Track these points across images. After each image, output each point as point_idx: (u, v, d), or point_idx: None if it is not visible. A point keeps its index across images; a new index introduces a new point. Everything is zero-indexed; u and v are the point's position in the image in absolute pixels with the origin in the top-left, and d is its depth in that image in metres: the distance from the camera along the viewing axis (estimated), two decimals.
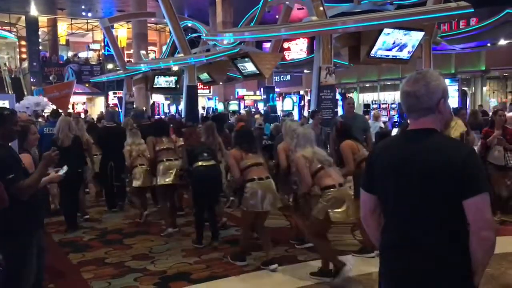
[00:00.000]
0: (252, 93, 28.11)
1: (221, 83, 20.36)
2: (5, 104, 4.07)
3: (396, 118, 19.12)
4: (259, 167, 5.05)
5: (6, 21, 33.76)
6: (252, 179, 4.93)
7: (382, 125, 12.11)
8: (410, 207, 1.93)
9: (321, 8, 9.61)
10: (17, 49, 35.33)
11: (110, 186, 7.80)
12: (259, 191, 4.89)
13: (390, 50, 10.09)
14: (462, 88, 18.36)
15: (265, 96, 18.14)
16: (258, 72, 13.97)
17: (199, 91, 19.33)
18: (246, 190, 4.93)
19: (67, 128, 6.56)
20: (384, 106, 21.40)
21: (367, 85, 25.21)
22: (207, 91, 29.45)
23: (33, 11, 31.68)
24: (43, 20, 34.24)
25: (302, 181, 4.66)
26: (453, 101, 12.72)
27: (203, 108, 25.40)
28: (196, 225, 5.93)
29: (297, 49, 28.04)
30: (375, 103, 22.70)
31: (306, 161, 4.58)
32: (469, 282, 1.88)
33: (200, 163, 5.80)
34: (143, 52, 21.75)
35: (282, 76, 27.37)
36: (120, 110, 20.50)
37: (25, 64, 32.62)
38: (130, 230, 6.67)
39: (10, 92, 24.01)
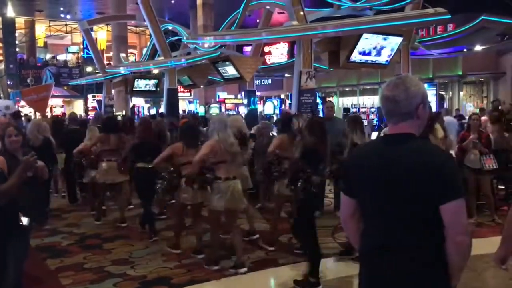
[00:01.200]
0: (233, 96, 28.12)
1: (202, 86, 20.31)
2: None
3: (375, 122, 19.36)
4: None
5: None
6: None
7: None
8: (388, 211, 1.95)
9: (302, 13, 9.69)
10: None
11: (72, 182, 8.45)
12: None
13: (369, 55, 10.22)
14: (440, 92, 18.71)
15: (246, 100, 18.18)
16: (239, 75, 13.99)
17: (179, 94, 19.25)
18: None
19: (36, 130, 7.17)
20: (363, 110, 21.64)
21: (347, 89, 25.47)
22: (188, 94, 29.35)
23: (10, 12, 31.08)
24: (20, 21, 33.68)
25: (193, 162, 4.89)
26: (430, 107, 12.91)
27: (184, 111, 25.29)
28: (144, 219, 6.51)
29: (277, 53, 28.18)
30: (355, 107, 22.95)
31: (213, 149, 4.83)
32: (447, 284, 1.92)
33: (140, 165, 6.16)
34: (123, 55, 21.57)
35: (263, 80, 27.46)
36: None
37: (1, 66, 32.03)
38: (110, 234, 6.59)
39: None
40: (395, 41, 10.36)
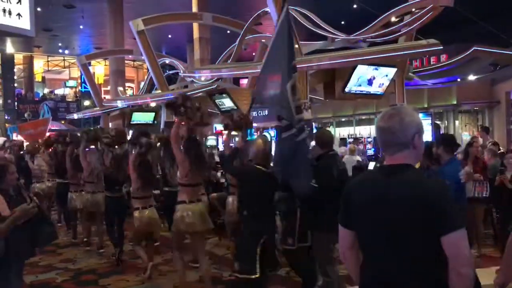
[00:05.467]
0: None
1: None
2: None
3: (371, 152, 19.37)
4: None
5: None
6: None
7: (359, 158, 12.23)
8: (386, 243, 1.93)
9: (296, 46, 9.81)
10: None
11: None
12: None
13: (364, 85, 10.34)
14: (435, 122, 18.83)
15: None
16: (236, 107, 14.08)
17: None
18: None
19: None
20: (360, 140, 21.69)
21: (343, 119, 25.61)
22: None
23: (9, 48, 31.55)
24: (19, 57, 34.11)
25: None
26: (426, 135, 12.98)
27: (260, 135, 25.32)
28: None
29: None
30: (351, 137, 23.03)
31: None
32: None
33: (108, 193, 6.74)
34: (120, 88, 21.73)
35: (259, 111, 27.61)
36: None
37: (0, 101, 32.22)
38: (105, 270, 6.49)
39: None
40: (389, 72, 10.49)
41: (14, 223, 3.18)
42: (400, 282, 1.89)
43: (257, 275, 3.86)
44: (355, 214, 2.06)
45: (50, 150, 9.45)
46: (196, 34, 20.82)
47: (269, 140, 4.76)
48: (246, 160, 5.08)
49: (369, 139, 21.22)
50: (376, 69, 10.17)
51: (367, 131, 23.73)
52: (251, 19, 14.52)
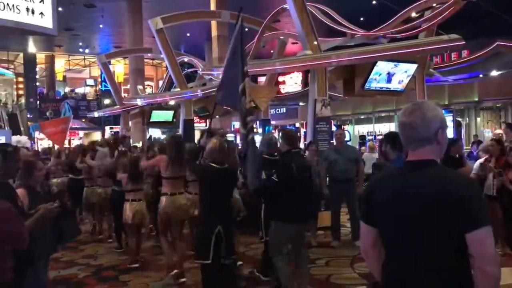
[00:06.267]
0: None
1: (217, 116, 20.46)
2: (2, 139, 4.07)
3: None
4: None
5: (4, 58, 34.17)
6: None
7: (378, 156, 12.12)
8: (409, 240, 1.89)
9: (315, 43, 9.77)
10: (15, 86, 35.61)
11: None
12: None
13: (384, 82, 10.23)
14: (456, 119, 18.54)
15: (260, 129, 18.23)
16: (254, 105, 14.08)
17: (195, 124, 19.42)
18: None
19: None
20: (379, 137, 21.50)
21: (362, 117, 25.41)
22: (204, 124, 29.58)
23: (31, 48, 32.11)
24: (40, 56, 34.69)
25: None
26: (448, 132, 12.80)
27: (199, 141, 25.43)
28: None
29: (291, 83, 28.35)
30: (371, 135, 22.84)
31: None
32: None
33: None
34: (140, 87, 21.94)
35: (277, 109, 27.58)
36: None
37: (22, 100, 32.82)
38: (126, 266, 6.55)
39: (6, 128, 24.04)
40: (409, 68, 10.36)
41: (38, 222, 3.20)
42: (417, 280, 1.86)
43: (209, 261, 4.34)
44: (377, 211, 2.03)
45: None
46: (214, 32, 20.89)
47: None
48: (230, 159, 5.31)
49: None
50: (396, 65, 10.05)
51: (387, 128, 23.52)
52: (269, 16, 14.50)
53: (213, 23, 20.42)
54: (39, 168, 3.76)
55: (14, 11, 3.93)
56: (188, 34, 27.22)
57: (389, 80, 10.26)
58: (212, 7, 19.94)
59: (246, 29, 18.84)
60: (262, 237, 5.43)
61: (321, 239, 7.60)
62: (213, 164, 4.54)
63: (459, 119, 19.86)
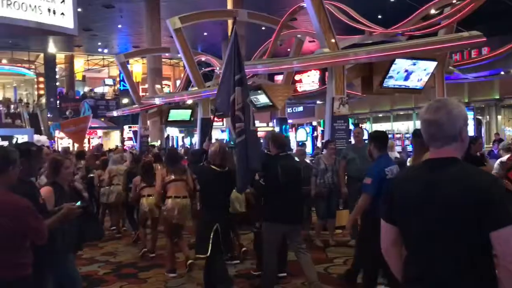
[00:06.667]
0: (264, 124, 28.22)
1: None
2: (24, 138, 4.15)
3: (410, 148, 18.98)
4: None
5: (25, 58, 34.78)
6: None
7: (397, 155, 12.00)
8: (433, 239, 1.87)
9: (333, 40, 9.72)
10: (35, 86, 36.23)
11: None
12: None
13: (402, 80, 10.11)
14: (477, 117, 18.26)
15: (277, 128, 18.22)
16: (271, 103, 14.07)
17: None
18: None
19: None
20: (398, 136, 21.28)
21: (380, 115, 25.21)
22: (221, 123, 29.69)
23: (51, 48, 32.61)
24: (60, 57, 35.21)
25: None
26: (468, 130, 12.61)
27: (216, 140, 25.54)
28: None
29: (308, 81, 28.26)
30: (389, 133, 22.62)
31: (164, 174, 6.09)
32: None
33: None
34: (157, 86, 22.11)
35: (294, 108, 27.53)
36: (135, 143, 20.68)
37: (43, 100, 33.35)
38: (145, 263, 6.62)
39: (27, 127, 24.48)
40: (428, 66, 10.23)
41: (59, 221, 3.25)
42: (440, 279, 1.84)
43: (207, 255, 4.74)
44: (399, 209, 2.01)
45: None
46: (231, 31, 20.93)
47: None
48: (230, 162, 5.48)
49: (407, 135, 20.79)
50: (415, 63, 9.93)
51: (405, 126, 23.26)
52: (286, 14, 14.47)
53: (230, 22, 20.45)
54: (66, 166, 3.81)
55: (36, 12, 4.00)
56: (205, 34, 27.34)
57: (407, 78, 10.13)
58: (229, 6, 20.00)
59: (263, 28, 18.87)
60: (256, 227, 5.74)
61: (339, 238, 7.58)
62: (213, 166, 4.88)
63: (479, 117, 19.56)
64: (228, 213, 5.14)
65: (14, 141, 3.71)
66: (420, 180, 1.94)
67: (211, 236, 4.68)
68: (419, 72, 10.20)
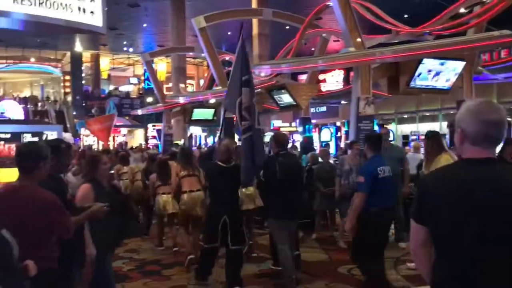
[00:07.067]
0: (287, 124, 28.15)
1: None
2: (54, 135, 4.22)
3: None
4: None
5: (52, 57, 35.47)
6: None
7: (422, 156, 11.81)
8: (471, 239, 1.81)
9: (359, 39, 9.62)
10: (62, 84, 36.92)
11: None
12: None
13: (429, 80, 9.94)
14: (507, 119, 17.81)
15: (301, 128, 18.13)
16: (295, 103, 14.00)
17: (235, 122, 19.53)
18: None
19: None
20: (423, 137, 20.94)
21: (405, 116, 24.85)
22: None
23: (78, 47, 33.17)
24: (86, 55, 35.79)
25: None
26: None
27: (239, 139, 25.60)
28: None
29: (332, 81, 28.07)
30: (414, 134, 22.26)
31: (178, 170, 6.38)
32: None
33: None
34: (182, 85, 22.26)
35: (317, 108, 27.37)
36: (159, 142, 20.87)
37: (69, 98, 33.96)
38: (169, 261, 6.67)
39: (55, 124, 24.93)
40: (457, 66, 10.03)
41: (87, 219, 3.29)
42: (475, 282, 1.78)
43: (216, 245, 5.14)
44: (433, 210, 1.96)
45: None
46: (255, 30, 20.92)
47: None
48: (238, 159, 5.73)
49: None
50: (443, 63, 9.75)
51: (431, 128, 22.82)
52: (312, 12, 14.38)
53: (254, 22, 20.46)
54: (104, 162, 3.85)
55: (67, 10, 4.06)
56: (229, 33, 27.41)
57: (435, 78, 9.96)
58: (254, 5, 19.98)
59: (287, 27, 18.81)
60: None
61: None
62: (219, 163, 5.25)
63: (509, 119, 19.09)
64: (237, 207, 5.43)
65: (44, 137, 3.78)
66: (458, 179, 1.89)
67: (219, 229, 4.99)
68: (447, 72, 10.01)
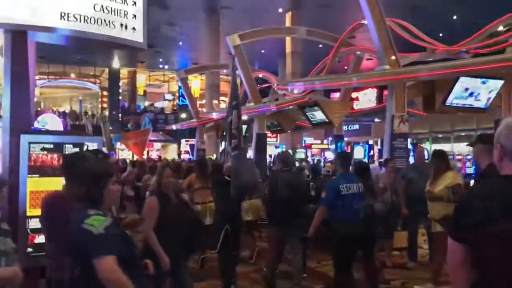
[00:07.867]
0: (319, 141, 28.04)
1: (289, 131, 20.56)
2: (94, 146, 4.36)
3: (471, 170, 18.16)
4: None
5: (91, 73, 36.63)
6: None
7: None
8: None
9: (393, 57, 9.57)
10: (99, 99, 38.01)
11: None
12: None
13: (466, 99, 9.78)
14: None
15: (333, 145, 18.05)
16: (327, 120, 13.98)
17: (267, 139, 19.60)
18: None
19: None
20: (458, 157, 20.43)
21: (440, 135, 24.39)
22: (274, 139, 29.78)
23: (116, 64, 34.16)
24: (123, 72, 36.81)
25: None
26: None
27: (270, 156, 25.61)
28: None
29: (365, 99, 27.86)
30: (449, 154, 21.78)
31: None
32: None
33: None
34: (215, 101, 22.56)
35: (350, 125, 27.18)
36: (191, 157, 21.15)
37: (106, 113, 34.89)
38: (201, 273, 6.67)
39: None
40: (495, 85, 9.83)
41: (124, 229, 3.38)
42: None
43: (217, 250, 5.50)
44: (474, 227, 1.91)
45: None
46: (288, 48, 21.10)
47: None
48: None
49: (469, 157, 19.93)
50: (481, 82, 9.58)
51: (467, 148, 22.28)
52: (346, 31, 14.41)
53: (288, 39, 20.63)
54: (167, 175, 3.95)
55: (110, 27, 4.22)
56: (262, 51, 27.70)
57: (472, 97, 9.79)
58: (288, 23, 20.18)
59: (320, 45, 18.88)
60: None
61: (397, 260, 7.33)
62: (226, 177, 5.62)
63: None
64: (240, 217, 5.90)
65: (84, 148, 3.93)
66: (499, 196, 1.85)
67: (222, 236, 5.39)
68: (485, 91, 9.83)
